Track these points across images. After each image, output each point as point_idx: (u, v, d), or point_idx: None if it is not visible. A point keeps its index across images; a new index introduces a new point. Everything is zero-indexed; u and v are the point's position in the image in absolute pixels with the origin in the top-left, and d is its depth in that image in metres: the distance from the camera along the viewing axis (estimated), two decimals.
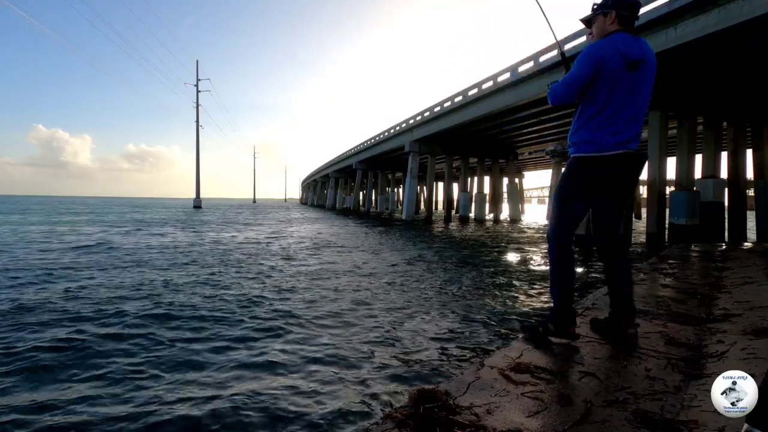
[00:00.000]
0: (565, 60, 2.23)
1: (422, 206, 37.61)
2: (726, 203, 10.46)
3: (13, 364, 2.81)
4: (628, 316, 2.00)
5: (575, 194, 2.01)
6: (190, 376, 2.66)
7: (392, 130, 25.83)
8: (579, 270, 6.61)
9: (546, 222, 24.12)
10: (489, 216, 25.56)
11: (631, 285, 2.04)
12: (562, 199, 2.04)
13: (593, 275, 6.27)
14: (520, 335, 2.17)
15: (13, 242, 10.30)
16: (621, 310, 2.02)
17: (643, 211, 14.90)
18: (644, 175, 13.33)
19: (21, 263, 7.01)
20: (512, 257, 8.79)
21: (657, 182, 10.25)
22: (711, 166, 10.21)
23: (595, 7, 2.00)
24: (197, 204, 41.95)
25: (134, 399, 2.37)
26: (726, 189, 10.54)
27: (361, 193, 40.51)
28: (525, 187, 42.43)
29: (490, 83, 15.17)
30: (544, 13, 2.26)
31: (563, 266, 2.02)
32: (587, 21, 2.06)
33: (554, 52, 11.98)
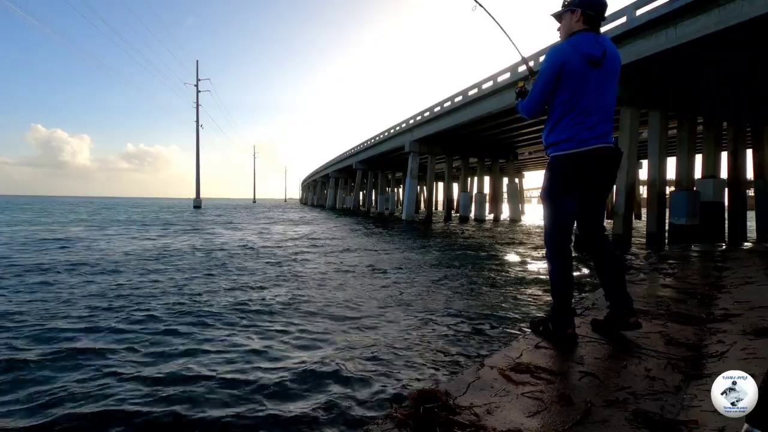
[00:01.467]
0: (532, 72, 2.40)
1: (422, 206, 37.62)
2: (726, 203, 10.46)
3: None
4: (626, 306, 2.02)
5: (562, 193, 2.03)
6: None
7: (392, 130, 25.84)
8: (585, 271, 6.61)
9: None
10: (489, 216, 25.55)
11: (623, 277, 2.07)
12: (550, 200, 2.07)
13: (592, 275, 6.28)
14: (521, 335, 2.18)
15: None
16: (618, 304, 2.04)
17: (643, 211, 14.90)
18: (644, 175, 13.33)
19: None
20: (513, 257, 8.79)
21: (657, 182, 10.25)
22: (711, 166, 10.21)
23: (565, 3, 2.07)
24: (197, 204, 41.96)
25: None
26: (726, 189, 10.53)
27: (361, 193, 40.51)
28: (525, 187, 42.45)
29: (490, 83, 15.17)
30: (507, 34, 2.49)
31: (560, 267, 2.04)
32: (558, 16, 2.13)
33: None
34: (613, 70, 2.00)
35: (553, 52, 1.99)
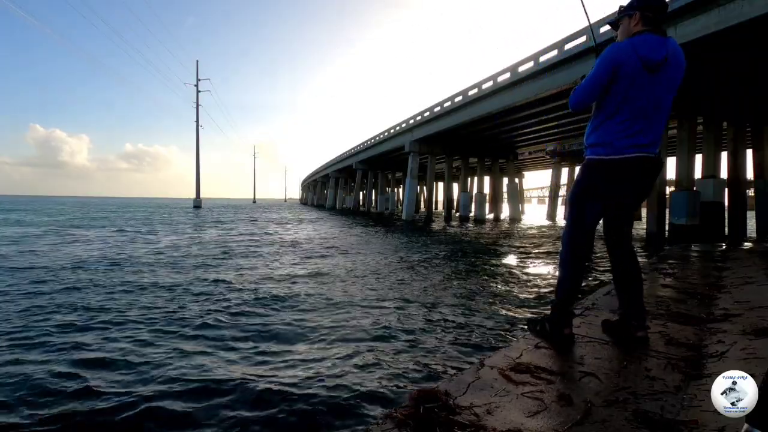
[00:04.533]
0: (596, 48, 2.16)
1: (422, 206, 37.62)
2: (726, 203, 10.46)
3: None
4: (638, 319, 1.99)
5: (587, 197, 1.99)
6: None
7: (392, 130, 25.84)
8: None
9: (546, 222, 24.13)
10: (489, 216, 25.56)
11: (641, 288, 2.02)
12: (575, 202, 2.02)
13: (593, 275, 6.27)
14: (520, 335, 2.17)
15: None
16: (631, 313, 2.01)
17: (643, 211, 14.90)
18: None
19: None
20: (512, 257, 8.79)
21: (657, 182, 10.24)
22: (711, 166, 10.21)
23: (621, 9, 1.97)
24: (197, 204, 41.97)
25: None
26: (726, 189, 10.54)
27: (361, 193, 40.52)
28: (525, 187, 42.47)
29: (490, 83, 15.18)
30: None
31: (571, 270, 2.02)
32: (614, 24, 2.04)
33: (554, 52, 11.96)
34: (673, 76, 1.86)
35: (611, 48, 1.88)
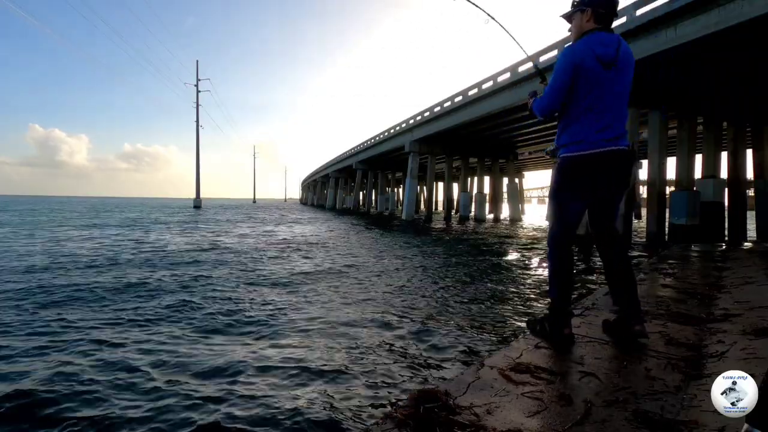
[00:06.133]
0: (539, 72, 2.34)
1: (422, 206, 37.60)
2: (726, 203, 10.45)
3: None
4: (634, 314, 1.99)
5: (568, 195, 2.02)
6: None
7: (392, 130, 25.83)
8: (578, 270, 6.60)
9: (545, 222, 24.12)
10: (489, 216, 25.55)
11: (635, 284, 2.03)
12: (556, 201, 2.06)
13: (593, 275, 6.27)
14: (521, 335, 2.18)
15: None
16: (630, 313, 2.01)
17: (643, 211, 14.90)
18: (644, 175, 13.33)
19: None
20: (512, 257, 8.79)
21: (657, 182, 10.24)
22: (711, 166, 10.20)
23: (575, 3, 2.03)
24: (197, 204, 41.95)
25: None
26: (726, 189, 10.52)
27: (361, 193, 40.50)
28: (525, 187, 42.46)
29: (490, 83, 15.17)
30: (511, 34, 2.42)
31: (560, 268, 2.03)
32: (568, 17, 2.09)
33: (554, 53, 11.96)
34: (627, 70, 1.96)
35: (566, 52, 1.95)
